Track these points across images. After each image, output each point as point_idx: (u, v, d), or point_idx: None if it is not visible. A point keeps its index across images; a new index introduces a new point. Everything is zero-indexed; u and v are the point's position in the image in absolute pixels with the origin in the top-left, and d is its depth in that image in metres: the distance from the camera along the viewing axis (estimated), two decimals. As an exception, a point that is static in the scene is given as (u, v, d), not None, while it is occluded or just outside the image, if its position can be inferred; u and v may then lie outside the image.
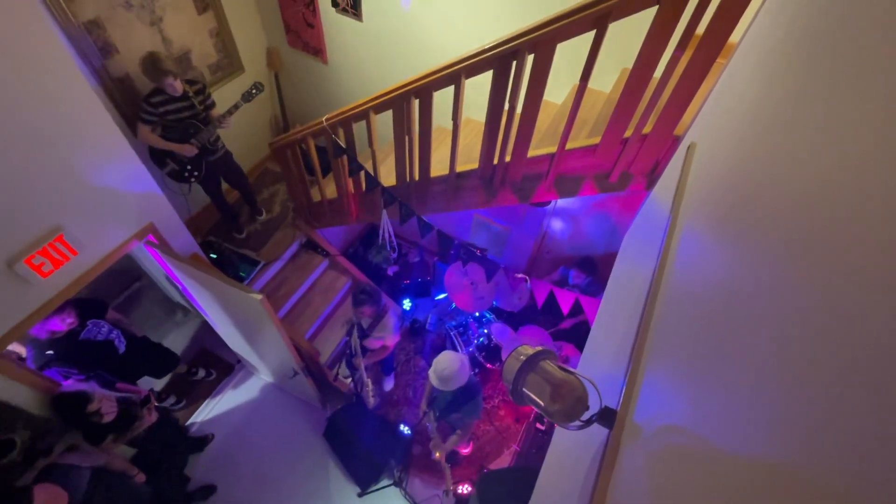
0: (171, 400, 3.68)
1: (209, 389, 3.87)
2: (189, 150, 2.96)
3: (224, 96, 3.50)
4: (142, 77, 3.08)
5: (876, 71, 0.53)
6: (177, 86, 2.73)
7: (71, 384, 2.49)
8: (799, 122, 0.71)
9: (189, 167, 3.09)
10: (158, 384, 3.70)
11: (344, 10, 3.30)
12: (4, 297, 2.03)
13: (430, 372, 2.60)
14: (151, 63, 2.63)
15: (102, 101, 2.86)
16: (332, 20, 3.45)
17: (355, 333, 2.98)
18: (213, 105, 3.05)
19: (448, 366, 2.51)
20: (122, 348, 2.93)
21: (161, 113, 2.79)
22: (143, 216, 2.52)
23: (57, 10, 2.51)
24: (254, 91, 3.01)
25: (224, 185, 3.55)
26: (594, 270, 3.33)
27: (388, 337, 3.05)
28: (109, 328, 2.90)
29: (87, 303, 2.90)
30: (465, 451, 3.55)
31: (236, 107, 3.01)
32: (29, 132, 1.85)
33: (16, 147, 1.83)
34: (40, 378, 2.45)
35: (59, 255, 2.12)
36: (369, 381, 3.21)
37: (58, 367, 2.59)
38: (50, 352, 2.60)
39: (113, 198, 2.31)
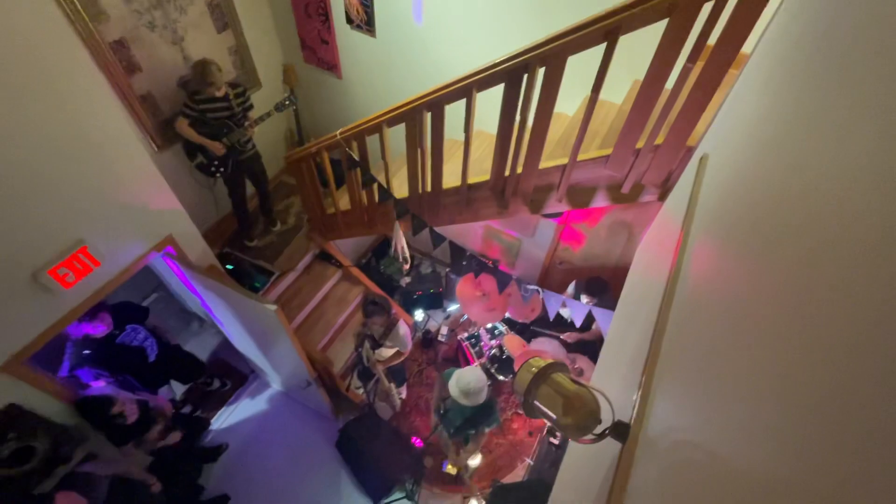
0: (187, 409, 3.72)
1: (223, 399, 3.91)
2: (218, 147, 3.12)
3: (242, 111, 3.60)
4: (164, 94, 3.19)
5: (891, 80, 0.52)
6: (218, 91, 2.95)
7: (95, 388, 2.57)
8: (813, 132, 0.71)
9: (216, 162, 3.24)
10: (178, 393, 3.76)
11: (358, 27, 3.37)
12: (29, 306, 2.09)
13: (452, 386, 2.58)
14: (201, 71, 2.87)
15: (126, 117, 2.96)
16: (346, 36, 3.53)
17: (367, 344, 2.99)
18: (251, 108, 3.24)
19: (474, 381, 2.52)
20: (152, 356, 3.01)
21: (201, 110, 2.99)
22: (163, 228, 2.58)
23: (84, 31, 2.61)
24: (287, 103, 3.21)
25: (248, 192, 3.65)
26: (604, 290, 3.27)
27: (400, 346, 3.05)
28: (146, 335, 3.00)
29: (129, 307, 3.01)
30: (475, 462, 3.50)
31: (268, 114, 3.21)
32: (55, 148, 1.93)
33: (43, 162, 1.90)
34: (61, 386, 2.50)
35: (82, 266, 2.18)
36: (392, 386, 3.20)
37: (90, 367, 2.67)
38: (87, 351, 2.69)
39: (135, 211, 2.37)
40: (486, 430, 2.75)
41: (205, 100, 2.97)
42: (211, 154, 3.18)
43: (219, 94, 2.97)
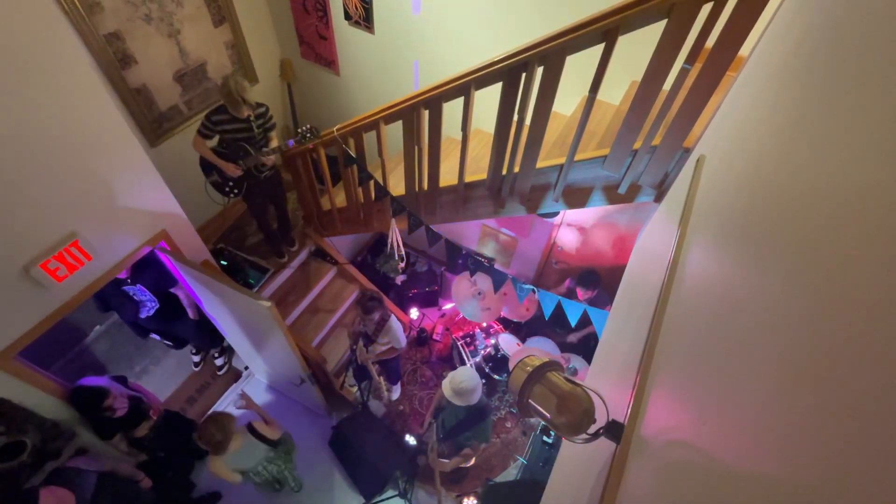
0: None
1: (216, 396, 3.89)
2: (233, 170, 2.87)
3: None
4: (159, 88, 3.16)
5: (888, 83, 0.52)
6: (244, 111, 2.69)
7: (90, 380, 2.60)
8: (810, 135, 0.71)
9: (231, 184, 3.04)
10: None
11: (356, 23, 3.36)
12: (20, 301, 2.07)
13: (445, 383, 2.57)
14: (236, 90, 2.57)
15: (120, 110, 2.93)
16: (344, 32, 3.51)
17: (360, 342, 2.98)
18: (272, 127, 2.95)
19: (466, 379, 2.50)
20: (143, 314, 3.18)
21: (219, 130, 2.75)
22: (157, 223, 2.56)
23: (79, 23, 2.59)
24: (308, 135, 2.74)
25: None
26: (598, 282, 3.31)
27: (394, 341, 3.05)
28: (150, 299, 3.12)
29: (159, 269, 3.06)
30: (468, 463, 3.50)
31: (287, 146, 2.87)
32: (48, 141, 1.90)
33: (35, 155, 1.88)
34: (52, 381, 2.48)
35: (74, 260, 2.16)
36: (382, 380, 3.20)
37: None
38: None
39: (128, 205, 2.35)
40: (478, 442, 2.74)
41: (223, 120, 2.71)
42: (227, 174, 2.96)
43: (241, 115, 2.68)
